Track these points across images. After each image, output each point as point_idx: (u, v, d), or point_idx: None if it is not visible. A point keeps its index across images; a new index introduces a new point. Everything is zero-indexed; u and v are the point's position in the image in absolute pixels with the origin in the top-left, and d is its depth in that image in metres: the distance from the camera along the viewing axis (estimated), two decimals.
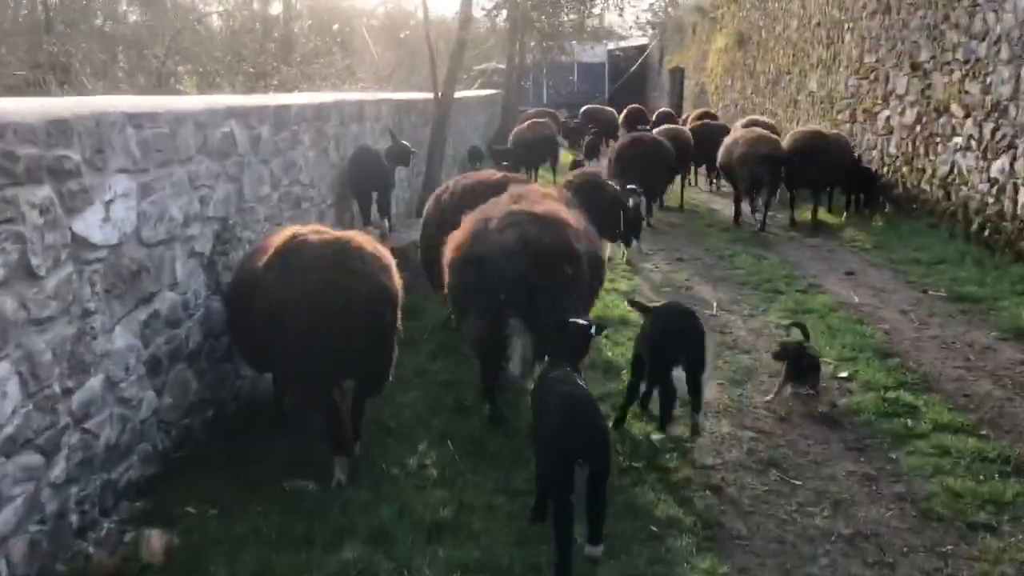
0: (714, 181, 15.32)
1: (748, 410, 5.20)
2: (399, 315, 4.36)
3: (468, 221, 4.64)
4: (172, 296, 4.40)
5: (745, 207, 11.61)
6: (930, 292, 7.81)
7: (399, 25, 25.70)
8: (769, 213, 11.17)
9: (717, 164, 12.69)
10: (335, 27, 19.33)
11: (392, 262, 4.39)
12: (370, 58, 22.65)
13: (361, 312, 4.01)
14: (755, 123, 14.24)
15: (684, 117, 21.67)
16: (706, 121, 16.12)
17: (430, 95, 12.20)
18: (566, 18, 22.63)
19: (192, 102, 4.72)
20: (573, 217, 4.75)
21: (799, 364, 5.13)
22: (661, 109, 23.95)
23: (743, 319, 7.17)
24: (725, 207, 12.72)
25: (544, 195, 5.09)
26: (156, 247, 4.19)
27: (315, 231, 4.36)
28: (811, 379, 5.17)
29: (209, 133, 4.79)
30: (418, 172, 11.71)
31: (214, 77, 10.92)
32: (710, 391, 5.51)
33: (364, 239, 4.34)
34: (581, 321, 4.06)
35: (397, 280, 4.33)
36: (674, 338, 4.67)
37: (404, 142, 8.59)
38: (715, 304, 7.53)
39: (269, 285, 4.12)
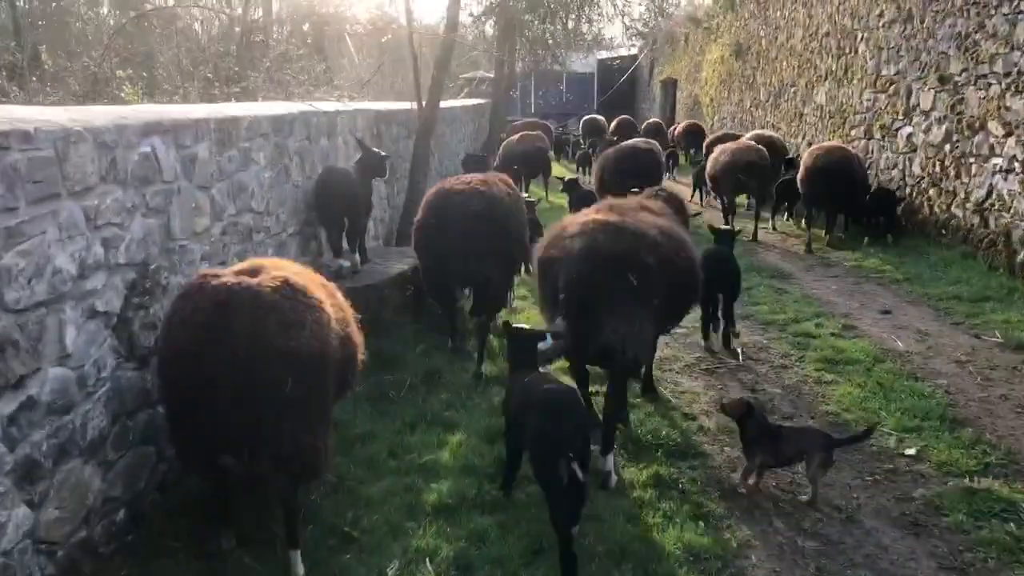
0: (703, 198, 14.43)
1: (804, 506, 4.16)
2: (327, 379, 3.46)
3: (554, 225, 4.78)
4: (59, 373, 3.29)
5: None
6: (983, 337, 6.82)
7: (382, 30, 24.58)
8: (781, 235, 10.22)
9: (705, 176, 12.76)
10: (305, 27, 18.03)
11: (325, 313, 3.49)
12: (349, 63, 21.50)
13: (243, 380, 3.16)
14: (760, 137, 13.43)
15: (672, 128, 21.67)
16: (726, 131, 16.03)
17: (413, 104, 11.11)
18: (560, 25, 21.56)
19: (95, 115, 3.63)
20: (660, 230, 4.58)
21: (749, 430, 4.20)
22: (649, 120, 23.44)
23: (775, 371, 6.13)
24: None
25: (633, 208, 4.93)
26: (31, 312, 3.09)
27: (237, 270, 3.54)
28: (783, 454, 4.19)
29: (120, 155, 3.70)
30: (399, 189, 10.65)
31: (163, 82, 9.73)
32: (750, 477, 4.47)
33: (282, 280, 3.41)
34: (524, 326, 4.21)
35: (328, 336, 3.43)
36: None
37: (376, 149, 7.42)
38: (740, 351, 6.49)
39: (161, 334, 3.58)
